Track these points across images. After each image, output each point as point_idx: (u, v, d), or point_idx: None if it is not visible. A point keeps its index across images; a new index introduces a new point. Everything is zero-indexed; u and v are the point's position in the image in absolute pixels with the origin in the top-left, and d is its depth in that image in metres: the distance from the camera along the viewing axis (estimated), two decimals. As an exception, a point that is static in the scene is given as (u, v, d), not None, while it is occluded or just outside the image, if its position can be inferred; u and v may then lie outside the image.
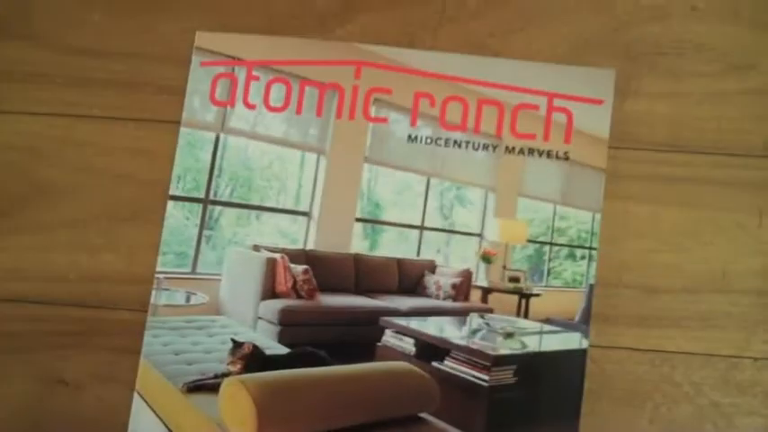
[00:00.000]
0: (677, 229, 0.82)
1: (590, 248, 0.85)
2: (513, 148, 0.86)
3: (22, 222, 0.86)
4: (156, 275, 0.83)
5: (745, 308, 0.80)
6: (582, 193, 0.87)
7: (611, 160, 0.83)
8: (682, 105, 0.84)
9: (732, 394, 0.79)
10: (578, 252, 0.90)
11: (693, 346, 0.80)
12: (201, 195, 0.90)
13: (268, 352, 0.87)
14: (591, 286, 0.82)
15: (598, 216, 0.83)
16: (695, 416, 0.78)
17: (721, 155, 0.83)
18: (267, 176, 0.92)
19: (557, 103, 0.85)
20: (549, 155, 0.85)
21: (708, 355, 0.80)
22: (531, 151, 0.86)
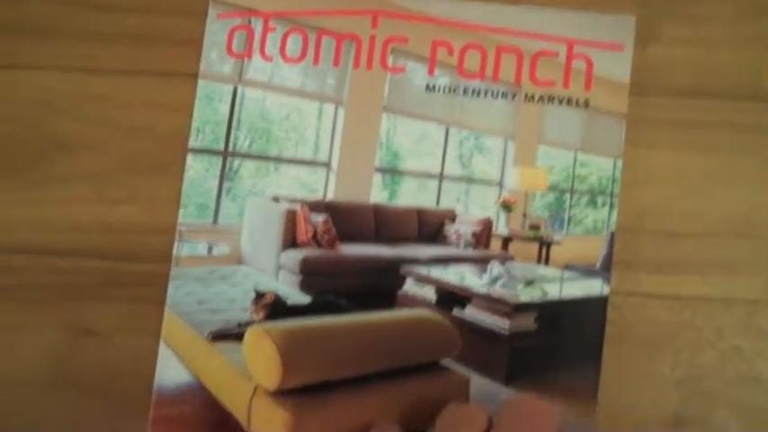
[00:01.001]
0: (699, 174, 0.81)
1: (611, 195, 0.85)
2: (533, 96, 0.85)
3: (41, 176, 0.86)
4: (178, 227, 0.84)
5: (767, 253, 0.80)
6: (602, 140, 0.86)
7: (631, 107, 0.82)
8: (703, 50, 0.83)
9: (753, 339, 0.79)
10: (599, 199, 0.90)
11: (714, 291, 0.79)
12: (221, 148, 0.90)
13: (290, 301, 0.87)
14: (612, 233, 0.82)
15: (619, 162, 0.83)
16: (716, 361, 0.78)
17: (744, 99, 0.82)
18: (285, 128, 0.92)
19: (577, 49, 0.84)
20: (569, 102, 0.84)
21: (729, 301, 0.79)
22: (550, 99, 0.85)
